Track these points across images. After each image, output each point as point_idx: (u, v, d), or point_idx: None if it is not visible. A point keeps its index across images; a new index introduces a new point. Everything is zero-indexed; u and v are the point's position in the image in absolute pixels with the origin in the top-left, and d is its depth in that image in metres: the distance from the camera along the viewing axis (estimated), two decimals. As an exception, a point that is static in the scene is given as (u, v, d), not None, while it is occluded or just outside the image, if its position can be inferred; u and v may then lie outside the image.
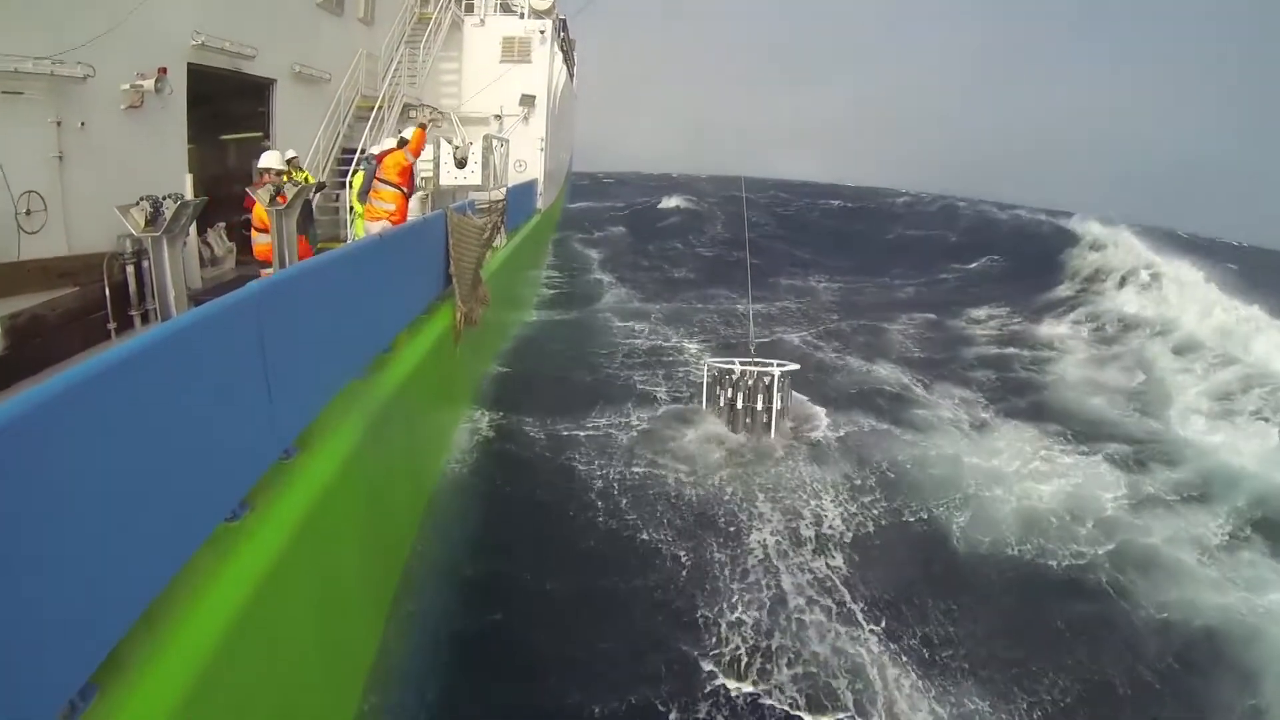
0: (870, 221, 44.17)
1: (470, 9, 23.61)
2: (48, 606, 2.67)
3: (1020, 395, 14.91)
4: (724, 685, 6.42)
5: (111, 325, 7.27)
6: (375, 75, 18.63)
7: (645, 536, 8.43)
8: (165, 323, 4.11)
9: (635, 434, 10.94)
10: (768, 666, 6.63)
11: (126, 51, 9.47)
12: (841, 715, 6.22)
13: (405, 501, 7.63)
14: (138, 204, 5.53)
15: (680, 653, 6.76)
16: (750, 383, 11.14)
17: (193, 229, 9.62)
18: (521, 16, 24.17)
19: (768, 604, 7.38)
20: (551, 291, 24.17)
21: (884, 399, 13.74)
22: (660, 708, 6.17)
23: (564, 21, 27.96)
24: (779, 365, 11.75)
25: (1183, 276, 23.51)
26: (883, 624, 7.26)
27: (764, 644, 6.86)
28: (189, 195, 9.00)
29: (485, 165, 13.77)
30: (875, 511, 9.32)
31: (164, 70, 10.10)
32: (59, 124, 8.46)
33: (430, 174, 14.00)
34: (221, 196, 12.58)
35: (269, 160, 10.21)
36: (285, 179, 9.92)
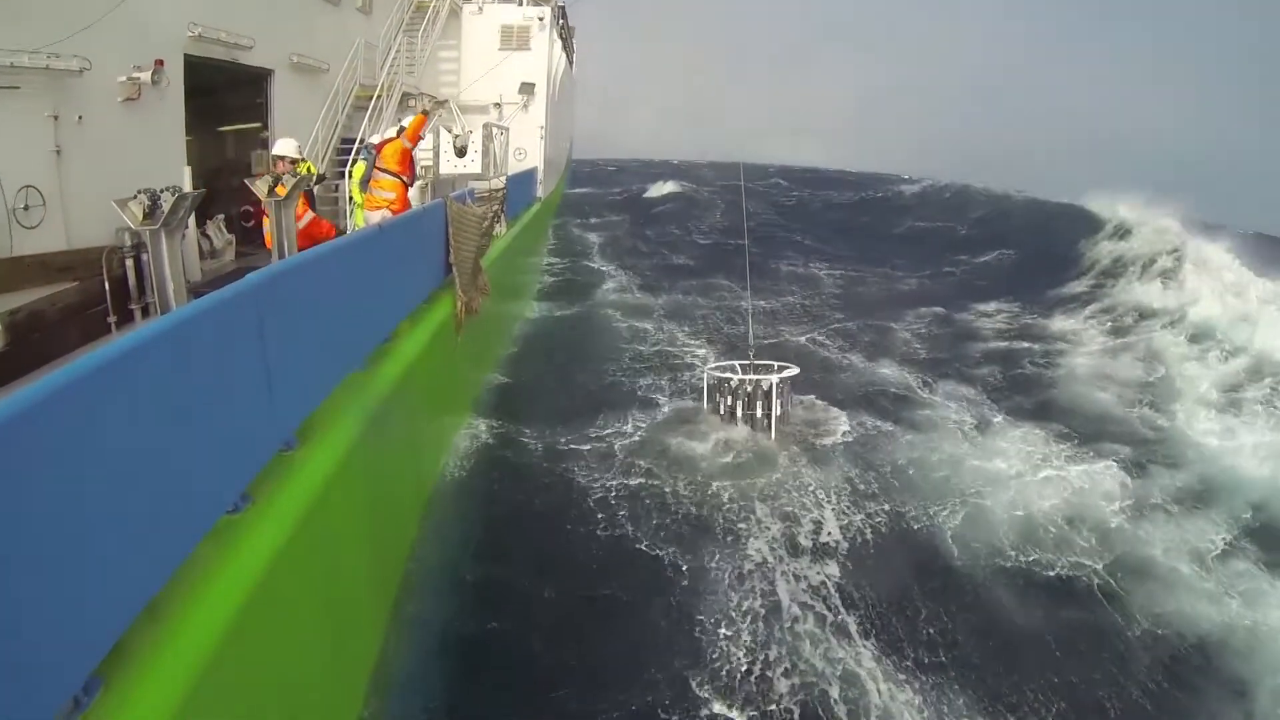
0: (876, 213, 43.11)
1: (468, -3, 23.49)
2: (51, 601, 2.67)
3: (1027, 393, 14.78)
4: (722, 695, 6.44)
5: (111, 319, 7.26)
6: (374, 64, 18.56)
7: (644, 546, 8.40)
8: (165, 316, 4.10)
9: (636, 440, 10.85)
10: (767, 674, 6.66)
11: (123, 44, 9.44)
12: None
13: (407, 492, 7.65)
14: (135, 197, 5.50)
15: (679, 663, 6.76)
16: (749, 389, 11.09)
17: (192, 221, 9.62)
18: (520, 4, 24.05)
19: (764, 614, 7.38)
20: (552, 279, 24.11)
21: (888, 399, 13.63)
22: (660, 715, 6.20)
23: (563, 9, 27.85)
24: (779, 367, 11.75)
25: (1210, 258, 23.11)
26: (877, 635, 7.27)
27: (761, 654, 6.87)
28: (187, 187, 8.98)
29: (485, 154, 13.71)
30: (874, 518, 9.27)
31: (161, 62, 10.06)
32: (56, 118, 8.44)
33: (430, 163, 13.97)
34: (220, 188, 12.59)
35: (284, 148, 10.16)
36: (298, 167, 9.93)
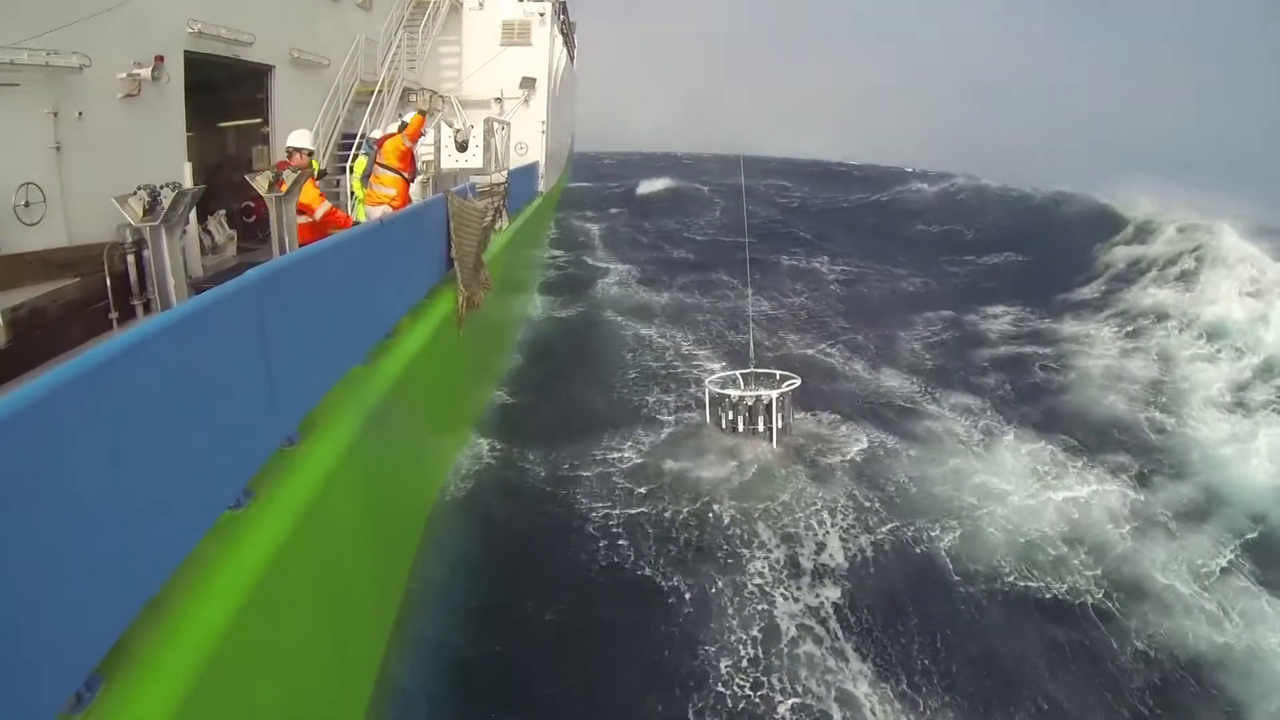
0: (885, 215, 41.78)
1: (469, -8, 23.45)
2: (52, 599, 2.67)
3: (1035, 401, 14.58)
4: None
5: (113, 315, 7.25)
6: (374, 60, 18.55)
7: (648, 572, 8.33)
8: (165, 312, 4.10)
9: (639, 459, 10.73)
10: (767, 698, 6.67)
11: (123, 40, 9.42)
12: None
13: (410, 487, 7.65)
14: (135, 193, 5.50)
15: (679, 689, 6.76)
16: (750, 404, 11.02)
17: (193, 217, 9.60)
18: None
19: (765, 639, 7.35)
20: (554, 273, 24.08)
21: (892, 411, 13.45)
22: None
23: (564, 4, 27.80)
24: (781, 377, 11.71)
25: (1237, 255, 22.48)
26: (875, 659, 7.25)
27: (763, 679, 6.86)
28: (188, 183, 8.97)
29: (486, 148, 13.70)
30: (876, 539, 9.17)
31: (161, 59, 10.03)
32: (56, 114, 8.42)
33: (431, 157, 13.96)
34: (221, 184, 12.58)
35: (300, 139, 10.12)
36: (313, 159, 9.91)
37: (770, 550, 8.77)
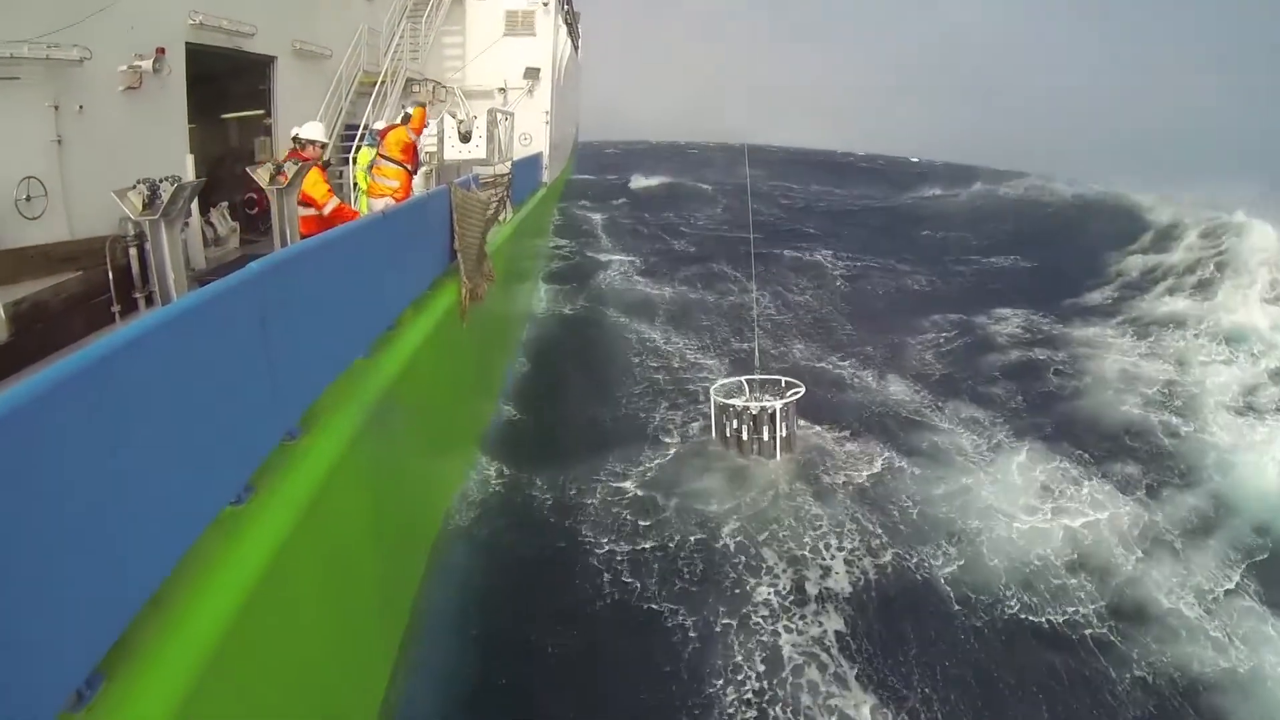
0: (894, 218, 41.06)
1: (472, -19, 23.39)
2: (53, 596, 2.65)
3: (1045, 412, 14.42)
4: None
5: (116, 308, 7.23)
6: (377, 50, 18.48)
7: (654, 605, 8.26)
8: (166, 306, 4.08)
9: (646, 480, 10.65)
10: None
11: (123, 33, 9.38)
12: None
13: (415, 480, 7.63)
14: (134, 187, 5.48)
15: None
16: (754, 412, 11.01)
17: (196, 209, 9.58)
18: (524, -11, 23.96)
19: (767, 670, 7.36)
20: (558, 264, 24.04)
21: (899, 425, 13.30)
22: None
23: None
24: (786, 383, 11.70)
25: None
26: (874, 690, 7.24)
27: (766, 709, 6.89)
28: (190, 175, 8.95)
29: (490, 139, 13.65)
30: (878, 562, 9.12)
31: (162, 50, 10.00)
32: (56, 108, 8.39)
33: (434, 149, 13.92)
34: (224, 176, 12.56)
35: (313, 131, 10.07)
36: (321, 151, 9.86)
37: (776, 576, 8.73)
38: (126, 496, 3.08)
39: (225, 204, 12.15)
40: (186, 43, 10.82)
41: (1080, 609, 8.60)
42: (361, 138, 14.25)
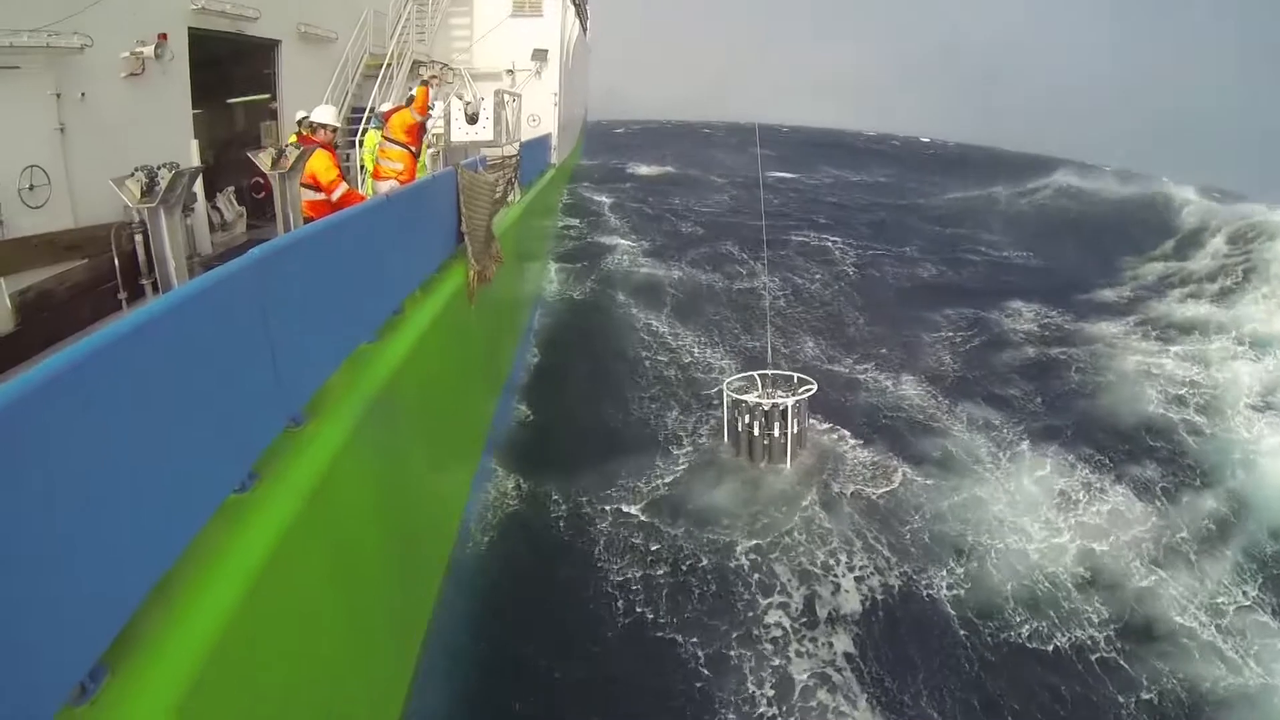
0: (904, 214, 38.86)
1: (479, -39, 23.21)
2: (55, 588, 2.62)
3: (1061, 412, 14.16)
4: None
5: (122, 295, 7.20)
6: (383, 33, 18.37)
7: (669, 633, 8.19)
8: (167, 293, 4.04)
9: (658, 496, 10.51)
10: None
11: (125, 19, 9.34)
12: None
13: (422, 465, 7.60)
14: (133, 174, 5.42)
15: None
16: (766, 409, 10.99)
17: (202, 195, 9.53)
18: (531, -31, 23.79)
19: (778, 695, 7.36)
20: (567, 245, 23.94)
21: (911, 429, 13.05)
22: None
23: None
24: (798, 379, 11.71)
25: None
26: (882, 714, 7.26)
27: None
28: (195, 161, 8.90)
29: (497, 121, 13.55)
30: (886, 581, 9.02)
31: (164, 36, 9.95)
32: (58, 96, 8.35)
33: (441, 130, 13.85)
34: (230, 161, 12.51)
35: (325, 115, 9.96)
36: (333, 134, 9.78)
37: (788, 595, 8.68)
38: (128, 485, 3.05)
39: (231, 189, 12.11)
40: (189, 27, 10.76)
41: (1089, 630, 8.48)
42: (367, 120, 14.17)
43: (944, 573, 9.22)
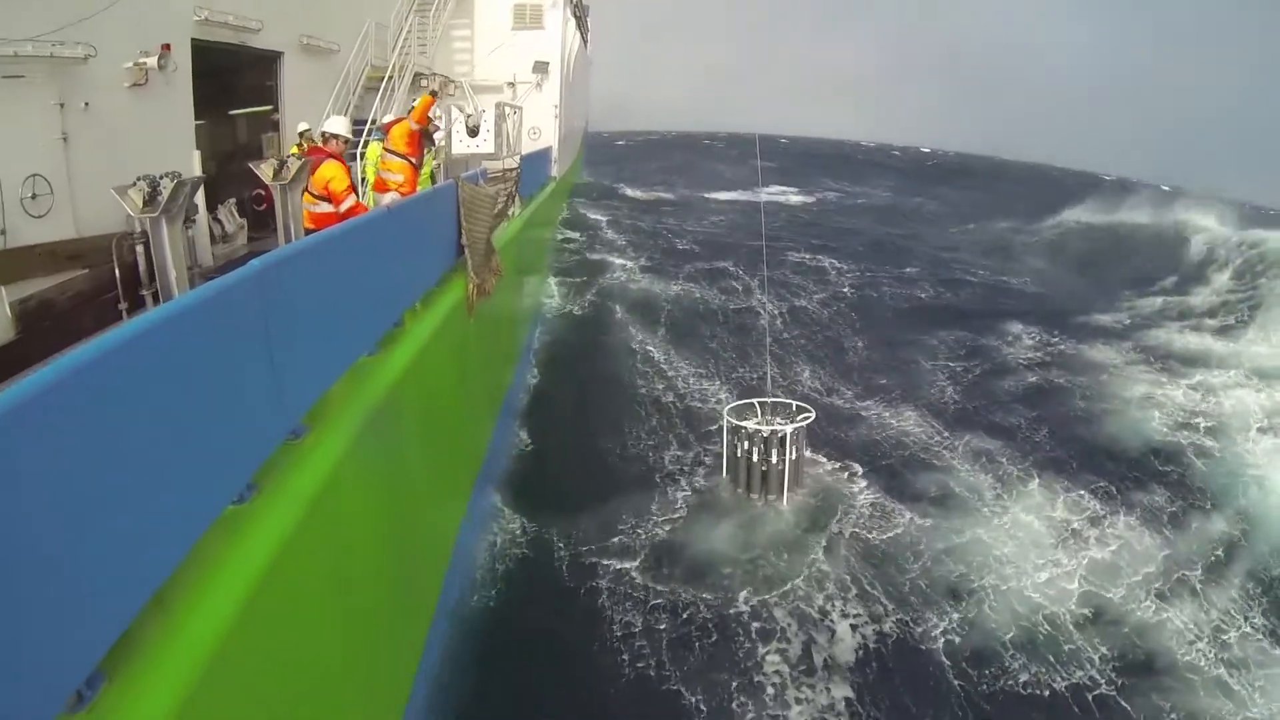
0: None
1: (480, -25, 23.38)
2: (53, 595, 2.62)
3: (1065, 441, 13.87)
4: None
5: (123, 306, 7.25)
6: (385, 45, 18.48)
7: (673, 685, 8.07)
8: (166, 304, 4.06)
9: (657, 542, 10.32)
10: None
11: (128, 30, 9.40)
12: None
13: (422, 478, 7.60)
14: (135, 184, 5.47)
15: None
16: (765, 435, 11.03)
17: (203, 206, 9.58)
18: (533, -17, 23.94)
19: None
20: (566, 259, 23.91)
21: (911, 464, 12.74)
22: None
23: None
24: (797, 408, 11.73)
25: None
26: None
27: None
28: (197, 172, 8.96)
29: (498, 133, 13.64)
30: (881, 629, 8.86)
31: (167, 47, 10.01)
32: (62, 106, 8.41)
33: (443, 143, 13.91)
34: (232, 172, 12.57)
35: (337, 126, 9.97)
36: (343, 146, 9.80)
37: (788, 641, 8.58)
38: (127, 495, 3.05)
39: (233, 201, 12.16)
40: (192, 39, 10.83)
41: (1089, 670, 8.37)
42: (368, 133, 14.25)
43: (942, 619, 9.08)
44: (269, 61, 14.17)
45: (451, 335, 8.74)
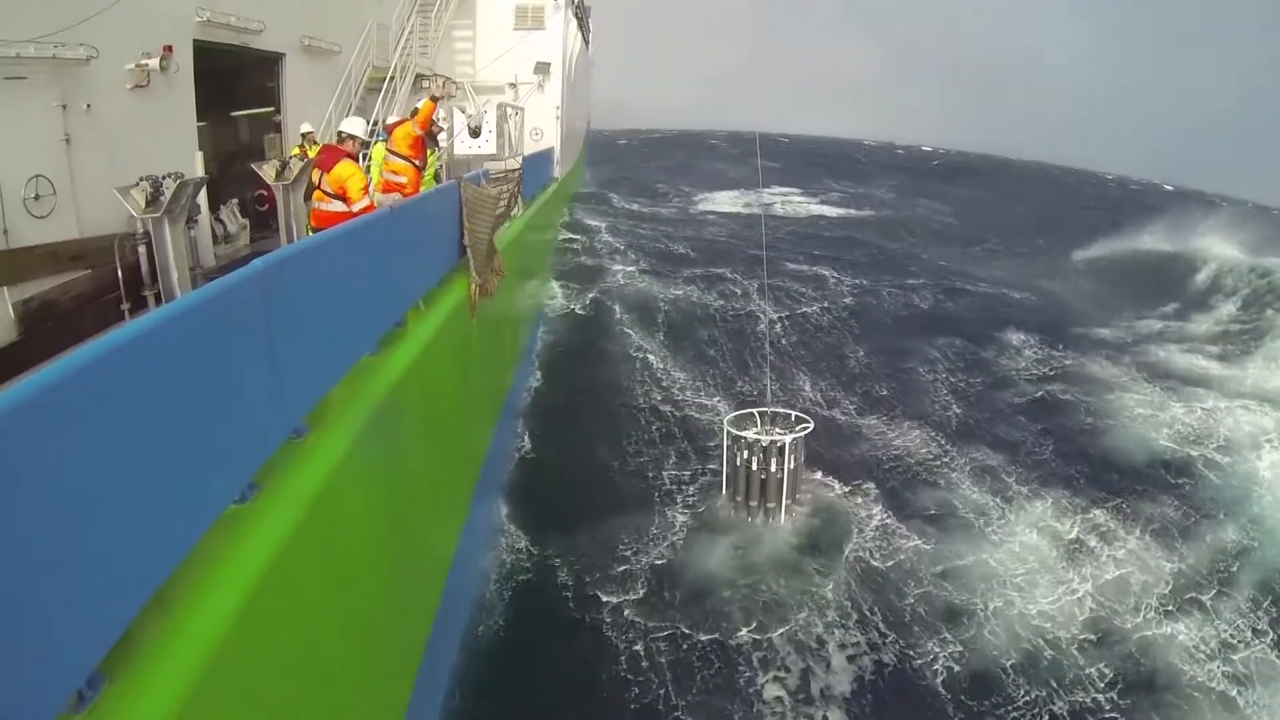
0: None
1: (482, -24, 23.39)
2: (54, 595, 2.62)
3: (1070, 456, 13.72)
4: None
5: (125, 306, 7.25)
6: (386, 46, 18.50)
7: (673, 687, 8.14)
8: (168, 303, 4.05)
9: (657, 567, 10.23)
10: None
11: (130, 31, 9.41)
12: None
13: (424, 478, 7.59)
14: (137, 184, 5.46)
15: None
16: (765, 445, 11.04)
17: (206, 207, 9.58)
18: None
19: None
20: (568, 260, 23.87)
21: (912, 483, 12.61)
22: None
23: None
24: (796, 418, 11.72)
25: None
26: None
27: None
28: (199, 173, 8.96)
29: (500, 134, 13.61)
30: (880, 658, 8.81)
31: (169, 49, 10.02)
32: (64, 107, 8.42)
33: (445, 143, 13.90)
34: (234, 173, 12.58)
35: (353, 126, 9.92)
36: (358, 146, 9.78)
37: (787, 669, 8.56)
38: (129, 494, 3.04)
39: (235, 201, 12.17)
40: (194, 40, 10.85)
41: (1092, 692, 8.31)
42: (372, 134, 14.24)
43: (942, 644, 9.01)
44: (271, 63, 14.20)
45: (454, 335, 8.73)
